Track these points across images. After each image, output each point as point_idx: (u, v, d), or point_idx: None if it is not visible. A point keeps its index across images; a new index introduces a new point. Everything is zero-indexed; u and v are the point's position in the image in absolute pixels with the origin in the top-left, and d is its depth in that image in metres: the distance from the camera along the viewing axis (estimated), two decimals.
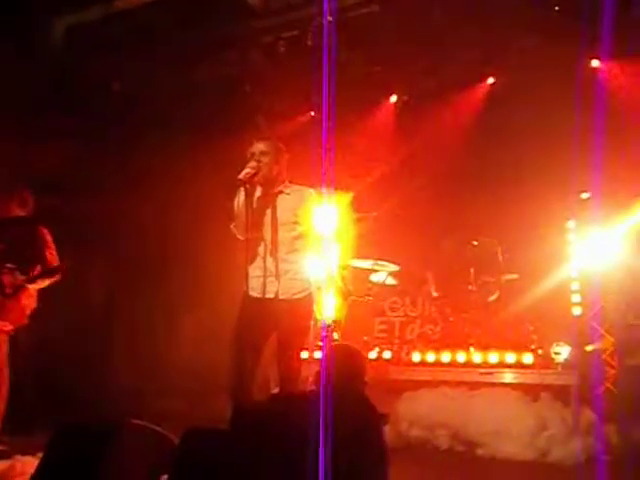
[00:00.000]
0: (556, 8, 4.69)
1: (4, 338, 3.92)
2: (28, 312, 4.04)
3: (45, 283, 4.06)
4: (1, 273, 3.96)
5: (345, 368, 2.52)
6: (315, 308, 3.34)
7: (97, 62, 5.67)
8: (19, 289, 3.96)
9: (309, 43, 5.21)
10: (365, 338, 5.40)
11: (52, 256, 4.08)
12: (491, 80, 5.78)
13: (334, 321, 4.26)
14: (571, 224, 5.33)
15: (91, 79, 5.80)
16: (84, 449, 2.48)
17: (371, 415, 2.48)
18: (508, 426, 4.23)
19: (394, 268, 5.43)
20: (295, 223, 3.29)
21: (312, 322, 3.50)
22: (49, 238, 4.13)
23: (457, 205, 5.60)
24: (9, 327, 3.94)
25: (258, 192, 3.33)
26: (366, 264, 5.35)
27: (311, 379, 3.58)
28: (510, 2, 4.76)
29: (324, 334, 4.12)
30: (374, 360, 5.26)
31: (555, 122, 4.93)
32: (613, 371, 4.65)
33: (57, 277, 4.10)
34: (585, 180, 5.00)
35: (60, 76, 5.45)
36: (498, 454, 4.16)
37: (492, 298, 5.15)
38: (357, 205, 5.27)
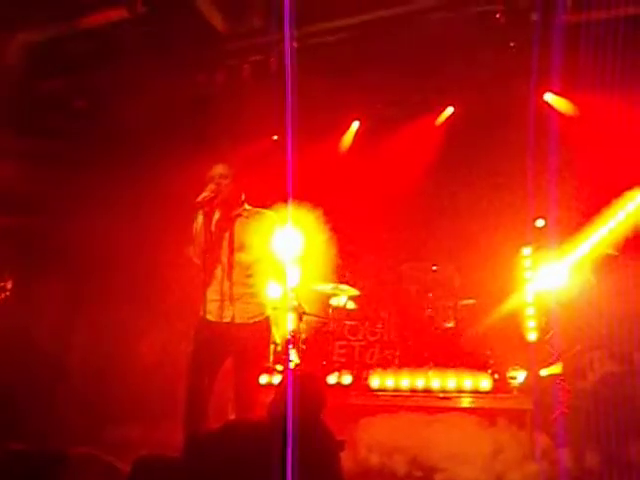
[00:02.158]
0: (511, 44, 4.86)
1: None
2: None
3: None
4: None
5: (303, 394, 2.49)
6: (273, 331, 3.32)
7: (58, 80, 5.59)
8: None
9: (273, 68, 5.26)
10: (324, 362, 5.37)
11: None
12: (450, 110, 5.94)
13: (291, 340, 4.24)
14: (526, 250, 5.47)
15: (51, 97, 5.71)
16: (30, 477, 2.38)
17: (329, 443, 2.46)
18: (465, 450, 4.23)
19: (354, 292, 5.45)
20: (252, 246, 3.28)
21: (271, 346, 3.47)
22: None
23: (416, 231, 5.69)
24: None
25: (217, 215, 3.32)
26: (326, 288, 5.36)
27: (268, 404, 3.53)
28: (469, 36, 4.91)
29: (283, 356, 4.09)
30: (333, 385, 5.23)
31: (511, 151, 5.08)
32: (567, 395, 4.74)
33: None
34: (540, 208, 5.16)
35: (14, 94, 5.34)
36: (456, 479, 4.16)
37: (449, 324, 5.21)
38: (322, 226, 5.29)
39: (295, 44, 5.23)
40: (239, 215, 3.34)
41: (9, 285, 3.85)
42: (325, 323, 5.48)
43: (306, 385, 2.64)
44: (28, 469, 2.39)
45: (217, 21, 5.26)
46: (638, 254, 4.77)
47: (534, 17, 4.48)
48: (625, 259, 4.81)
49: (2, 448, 2.52)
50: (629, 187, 5.16)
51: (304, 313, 4.25)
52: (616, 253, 4.92)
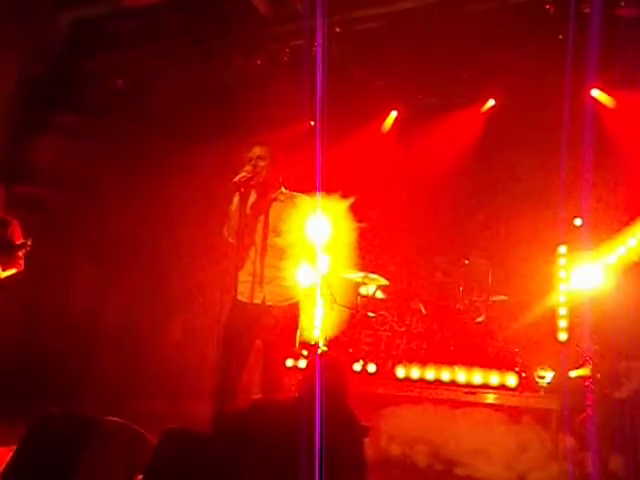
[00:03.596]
0: (560, 37, 4.74)
1: None
2: None
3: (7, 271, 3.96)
4: None
5: (330, 378, 2.51)
6: (302, 316, 3.34)
7: (100, 58, 5.67)
8: None
9: (313, 53, 5.24)
10: (350, 350, 5.38)
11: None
12: (492, 102, 5.84)
13: (320, 330, 4.26)
14: (562, 249, 5.36)
15: (94, 75, 5.80)
16: (62, 441, 2.46)
17: (353, 427, 2.47)
18: (488, 447, 4.21)
19: (384, 282, 5.43)
20: (286, 229, 3.29)
21: (298, 330, 3.49)
22: (17, 229, 4.06)
23: (451, 223, 5.63)
24: None
25: (252, 197, 3.33)
26: (356, 276, 5.35)
27: (294, 387, 3.56)
28: (515, 26, 4.81)
29: (311, 342, 4.11)
30: (358, 373, 5.24)
31: (552, 147, 4.97)
32: (595, 399, 4.65)
33: (18, 261, 3.98)
34: (579, 206, 5.05)
35: (62, 70, 5.44)
36: (476, 474, 4.14)
37: (479, 319, 5.15)
38: (354, 215, 5.28)
39: (338, 30, 5.20)
40: (275, 198, 3.35)
41: (39, 256, 3.95)
42: (354, 311, 5.48)
43: (332, 369, 2.65)
44: (63, 432, 2.46)
45: (260, 4, 5.26)
46: None
47: (586, 9, 4.36)
48: None
49: (42, 411, 2.61)
50: None
51: (334, 301, 4.27)
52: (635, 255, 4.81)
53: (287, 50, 5.39)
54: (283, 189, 3.40)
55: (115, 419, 2.59)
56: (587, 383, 4.74)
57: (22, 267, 4.03)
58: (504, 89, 5.63)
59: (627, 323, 4.32)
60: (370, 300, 5.55)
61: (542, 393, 4.66)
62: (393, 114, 6.26)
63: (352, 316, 5.48)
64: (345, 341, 5.36)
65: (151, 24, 5.44)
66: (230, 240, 3.31)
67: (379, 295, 5.56)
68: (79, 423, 2.54)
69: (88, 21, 5.50)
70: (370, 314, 5.51)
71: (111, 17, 5.44)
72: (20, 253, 3.96)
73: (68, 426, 2.52)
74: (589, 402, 4.62)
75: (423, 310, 5.47)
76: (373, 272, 5.40)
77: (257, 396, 3.33)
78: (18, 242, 3.98)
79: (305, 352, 4.87)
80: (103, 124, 5.75)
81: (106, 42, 5.53)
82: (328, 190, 3.59)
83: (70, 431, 2.49)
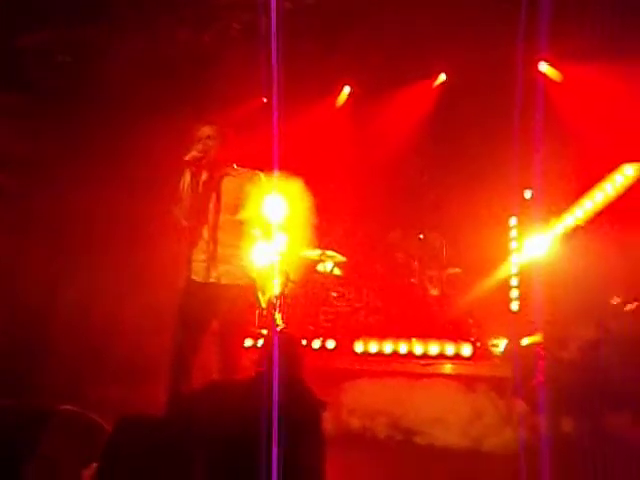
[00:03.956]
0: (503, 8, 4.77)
1: None
2: None
3: None
4: None
5: (283, 355, 2.50)
6: (258, 295, 3.32)
7: (41, 33, 5.42)
8: None
9: (262, 28, 5.13)
10: (310, 327, 5.41)
11: None
12: (443, 77, 5.87)
13: (277, 307, 4.24)
14: (513, 221, 5.49)
15: (34, 51, 5.54)
16: (14, 433, 2.39)
17: (310, 402, 2.48)
18: (445, 415, 4.32)
19: (341, 259, 5.45)
20: (240, 206, 3.25)
21: (256, 309, 3.47)
22: None
23: (404, 199, 5.67)
24: None
25: (204, 175, 3.27)
26: (313, 253, 5.36)
27: (252, 366, 3.55)
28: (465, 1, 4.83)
29: (268, 321, 4.10)
30: (318, 349, 5.28)
31: (502, 121, 5.03)
32: (546, 364, 4.82)
33: None
34: (528, 178, 5.16)
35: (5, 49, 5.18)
36: (436, 442, 4.24)
37: (434, 292, 5.24)
38: (308, 193, 5.26)
39: (288, 4, 5.10)
40: (226, 174, 3.30)
41: None
42: (311, 288, 5.50)
43: (286, 346, 2.65)
44: (15, 424, 2.39)
45: None
46: (607, 225, 4.82)
47: None
48: (594, 230, 4.86)
49: None
50: (618, 160, 5.17)
51: (289, 280, 4.26)
52: (583, 224, 4.98)
53: (235, 25, 5.27)
54: (235, 166, 3.35)
55: (69, 408, 2.53)
56: (538, 350, 4.91)
57: None
58: (454, 64, 5.67)
59: (571, 287, 4.47)
60: (327, 277, 5.57)
61: (496, 361, 4.79)
62: (346, 89, 6.23)
63: (310, 293, 5.50)
64: (304, 318, 5.38)
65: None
66: (182, 220, 3.24)
67: (336, 272, 5.59)
68: (32, 414, 2.47)
69: None
70: (333, 294, 5.55)
71: None
72: None
73: (20, 417, 2.45)
74: (541, 368, 4.79)
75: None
76: (329, 249, 5.42)
77: (214, 377, 3.31)
78: None
79: (264, 331, 4.86)
80: (47, 103, 5.52)
81: (46, 17, 5.28)
82: (282, 167, 3.55)
83: (23, 422, 2.43)
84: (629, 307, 4.34)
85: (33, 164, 5.59)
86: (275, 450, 2.13)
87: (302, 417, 2.33)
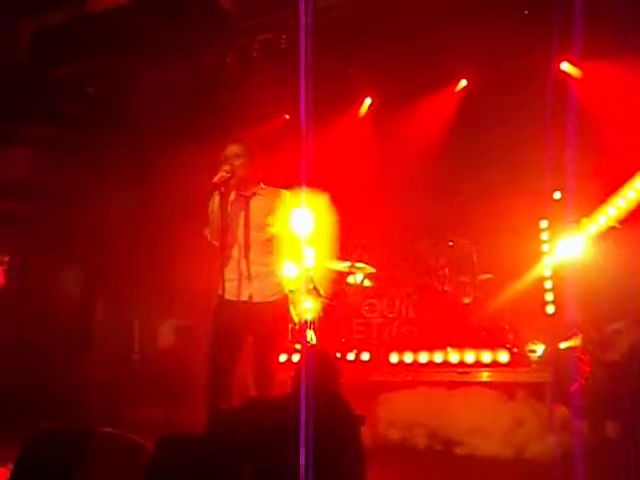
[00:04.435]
0: (525, 12, 4.76)
1: None
2: None
3: None
4: None
5: (319, 371, 2.51)
6: (291, 310, 3.35)
7: (69, 66, 5.59)
8: None
9: (283, 46, 5.21)
10: (343, 340, 5.40)
11: None
12: (464, 83, 5.85)
13: (309, 322, 4.26)
14: (544, 223, 5.41)
15: (62, 83, 5.72)
16: (57, 456, 2.44)
17: (348, 417, 2.48)
18: (485, 424, 4.26)
19: (370, 270, 5.45)
20: (268, 225, 3.29)
21: (289, 324, 3.49)
22: None
23: (432, 206, 5.64)
24: None
25: (232, 195, 3.33)
26: (343, 266, 5.36)
27: (289, 382, 3.57)
28: (481, 6, 4.81)
29: (301, 336, 4.11)
30: (352, 362, 5.27)
31: (527, 123, 5.00)
32: (586, 368, 4.72)
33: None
34: (558, 180, 5.09)
35: (26, 80, 5.36)
36: (476, 452, 4.19)
37: (467, 300, 5.19)
38: (334, 207, 5.29)
39: (305, 20, 5.16)
40: (254, 194, 3.35)
41: (23, 271, 3.94)
42: (342, 301, 5.49)
43: (321, 361, 2.66)
44: (56, 448, 2.44)
45: (225, 1, 5.22)
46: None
47: None
48: (630, 230, 4.76)
49: (33, 427, 2.58)
50: None
51: (320, 294, 4.27)
52: (618, 225, 4.88)
53: (256, 45, 5.36)
54: (262, 185, 3.40)
55: (110, 430, 2.57)
56: (577, 353, 4.81)
57: (2, 282, 4.00)
58: (476, 69, 5.64)
59: (610, 287, 4.38)
60: (358, 289, 5.57)
61: (534, 367, 4.72)
62: (367, 101, 6.25)
63: (341, 306, 5.50)
64: (337, 332, 5.38)
65: (117, 28, 5.37)
66: (213, 241, 3.30)
67: (367, 283, 5.58)
68: (73, 437, 2.51)
69: (52, 29, 5.43)
70: (365, 306, 5.54)
71: (76, 23, 5.37)
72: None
73: (62, 441, 2.50)
74: (581, 372, 4.70)
75: (412, 295, 5.50)
76: (359, 261, 5.42)
77: (251, 394, 3.33)
78: None
79: (298, 346, 4.88)
80: (74, 133, 5.68)
81: (73, 49, 5.45)
82: (307, 183, 3.59)
83: (64, 446, 2.47)
84: None
85: (59, 192, 5.74)
86: (313, 466, 2.13)
87: (340, 432, 2.33)
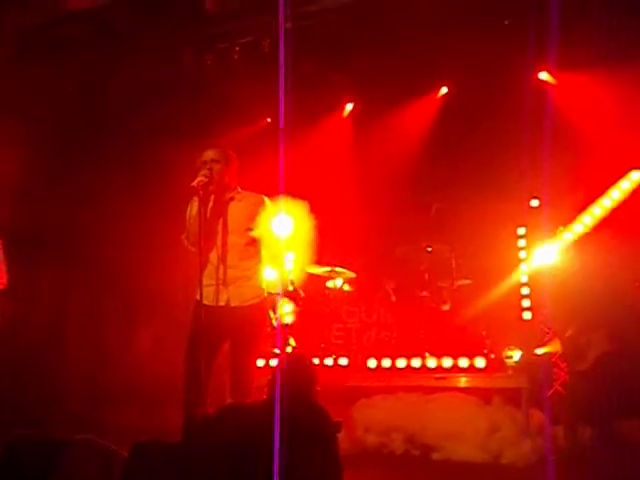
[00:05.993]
0: (506, 22, 4.82)
1: None
2: None
3: None
4: None
5: (296, 377, 2.51)
6: (270, 314, 3.34)
7: (46, 64, 5.51)
8: None
9: (265, 50, 5.20)
10: (322, 345, 5.40)
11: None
12: (444, 90, 5.90)
13: (288, 326, 4.25)
14: (521, 230, 5.48)
15: (42, 83, 5.64)
16: (33, 465, 2.42)
17: (325, 424, 2.48)
18: (462, 429, 4.29)
19: (350, 275, 5.45)
20: (247, 230, 3.28)
21: (267, 329, 3.48)
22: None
23: (411, 212, 5.67)
24: None
25: (211, 201, 3.31)
26: (322, 271, 5.36)
27: (267, 387, 3.55)
28: (461, 16, 4.86)
29: (279, 341, 4.10)
30: (330, 367, 5.26)
31: (506, 131, 5.06)
32: (562, 374, 4.78)
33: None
34: (535, 188, 5.15)
35: (8, 80, 5.28)
36: (453, 457, 4.21)
37: (446, 305, 5.23)
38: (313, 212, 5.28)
39: (288, 25, 5.16)
40: (232, 198, 3.34)
41: None
42: (321, 306, 5.49)
43: (295, 366, 2.66)
44: (32, 455, 2.42)
45: (206, 1, 5.20)
46: (619, 232, 4.81)
47: None
48: (600, 237, 4.85)
49: (7, 435, 2.55)
50: (625, 168, 5.16)
51: (299, 297, 4.27)
52: (589, 231, 4.97)
53: (237, 48, 5.34)
54: (239, 189, 3.39)
55: (85, 437, 2.55)
56: (553, 359, 4.87)
57: (5, 284, 4.00)
58: (457, 77, 5.69)
59: (584, 296, 4.44)
60: (338, 293, 5.57)
61: (511, 372, 4.76)
62: (349, 107, 6.27)
63: (320, 311, 5.50)
64: (315, 336, 5.37)
65: (97, 27, 5.32)
66: (189, 247, 3.28)
67: (346, 288, 5.58)
68: (48, 445, 2.49)
69: (33, 27, 5.37)
70: (344, 311, 5.54)
71: (56, 22, 5.31)
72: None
73: (37, 449, 2.48)
74: (556, 378, 4.76)
75: (393, 297, 5.52)
76: (339, 266, 5.42)
77: (228, 400, 3.31)
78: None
79: (277, 351, 4.86)
80: (51, 131, 5.60)
81: (51, 47, 5.39)
82: (286, 188, 3.58)
83: (39, 454, 2.45)
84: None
85: (39, 193, 5.64)
86: (289, 472, 2.13)
87: (317, 439, 2.33)
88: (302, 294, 4.20)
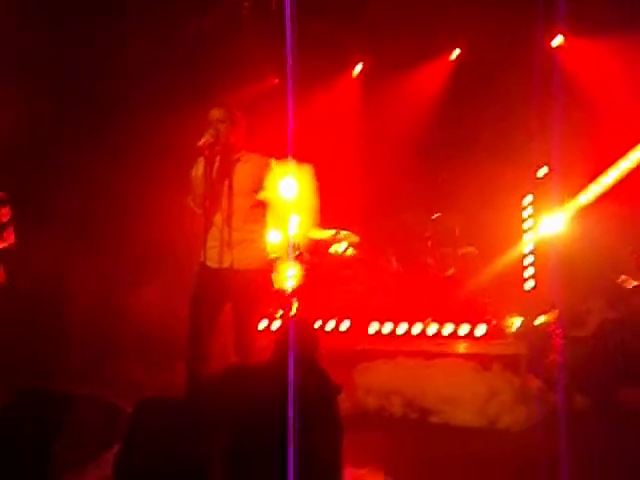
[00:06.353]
0: None
1: None
2: None
3: None
4: None
5: (298, 339, 2.53)
6: (273, 278, 3.34)
7: (49, 31, 5.39)
8: None
9: (273, 7, 5.08)
10: (325, 308, 5.43)
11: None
12: (457, 52, 5.77)
13: (292, 290, 4.26)
14: (527, 199, 5.44)
15: (43, 48, 5.53)
16: (35, 420, 2.45)
17: (326, 386, 2.51)
18: (460, 394, 4.34)
19: (354, 239, 5.45)
20: (252, 191, 3.26)
21: (271, 292, 3.49)
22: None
23: (417, 179, 5.63)
24: None
25: (217, 160, 3.27)
26: (327, 234, 5.35)
27: (268, 350, 3.59)
28: None
29: (283, 304, 4.12)
30: (332, 330, 5.31)
31: (516, 98, 4.97)
32: (558, 339, 4.81)
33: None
34: (544, 156, 5.09)
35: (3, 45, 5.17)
36: (451, 421, 4.27)
37: (449, 272, 5.23)
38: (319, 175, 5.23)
39: None
40: (239, 160, 3.30)
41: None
42: (325, 269, 5.50)
43: (297, 329, 2.68)
44: (35, 409, 2.46)
45: None
46: (625, 203, 4.77)
47: None
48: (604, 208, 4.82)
49: (13, 389, 2.59)
50: (635, 137, 5.09)
51: (303, 261, 4.27)
52: (594, 202, 4.94)
53: (246, 4, 5.21)
54: (245, 151, 3.35)
55: (89, 393, 2.59)
56: (552, 328, 4.90)
57: (13, 242, 3.99)
58: (469, 39, 5.57)
59: (586, 265, 4.44)
60: (342, 257, 5.57)
61: (510, 340, 4.79)
62: (359, 67, 6.15)
63: (324, 274, 5.51)
64: (318, 299, 5.40)
65: None
66: (195, 208, 3.26)
67: (351, 252, 5.59)
68: (52, 400, 2.53)
69: None
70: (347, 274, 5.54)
71: None
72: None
73: (41, 403, 2.51)
74: (554, 345, 4.79)
75: (394, 263, 5.52)
76: (344, 229, 5.41)
77: (231, 361, 3.35)
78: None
79: (279, 313, 4.89)
80: (60, 96, 5.52)
81: (54, 15, 5.26)
82: (294, 150, 3.54)
83: (43, 409, 2.49)
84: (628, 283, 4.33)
85: (43, 151, 5.60)
86: (292, 433, 2.16)
87: (317, 401, 2.36)
88: (306, 257, 4.20)
